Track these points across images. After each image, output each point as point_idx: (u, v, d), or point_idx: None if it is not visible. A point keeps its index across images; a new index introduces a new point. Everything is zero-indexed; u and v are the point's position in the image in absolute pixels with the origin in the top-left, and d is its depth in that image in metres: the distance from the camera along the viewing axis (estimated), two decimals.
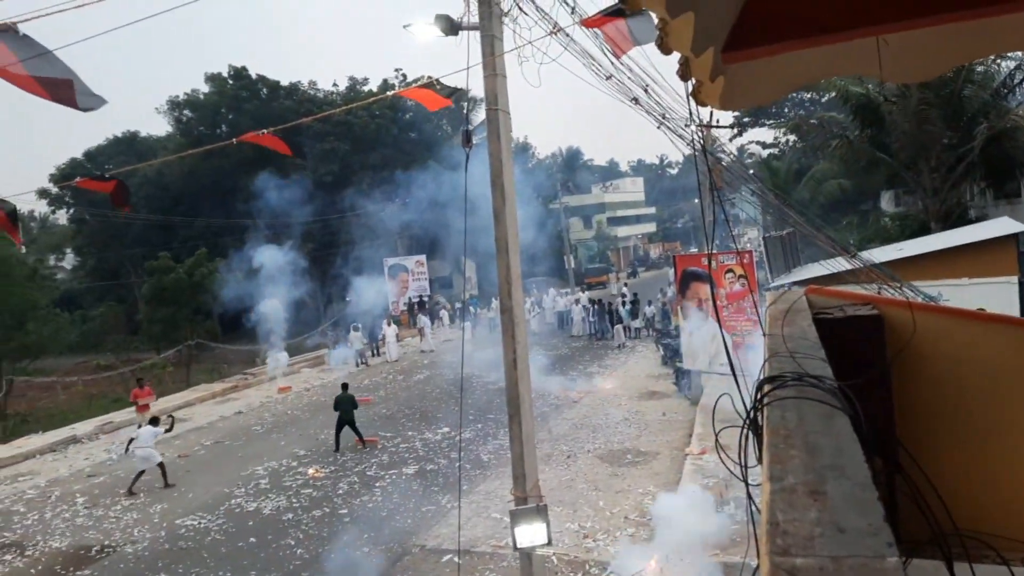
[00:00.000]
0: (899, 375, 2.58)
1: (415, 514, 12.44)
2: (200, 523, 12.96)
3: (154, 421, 16.00)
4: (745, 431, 2.06)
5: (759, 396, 2.01)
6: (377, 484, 14.23)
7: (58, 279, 47.10)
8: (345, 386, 17.83)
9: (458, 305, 36.15)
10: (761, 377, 2.23)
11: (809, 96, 33.83)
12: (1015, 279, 14.75)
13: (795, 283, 15.09)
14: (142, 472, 15.23)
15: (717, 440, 2.58)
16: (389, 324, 31.21)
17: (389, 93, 36.70)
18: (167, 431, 16.53)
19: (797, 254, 22.97)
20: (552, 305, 35.72)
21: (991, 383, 2.49)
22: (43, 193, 43.02)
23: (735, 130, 36.16)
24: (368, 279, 37.32)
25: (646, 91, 5.90)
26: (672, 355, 21.95)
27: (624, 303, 31.30)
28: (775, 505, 1.24)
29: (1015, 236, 15.90)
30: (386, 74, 72.18)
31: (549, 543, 6.16)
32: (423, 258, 41.13)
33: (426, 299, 39.25)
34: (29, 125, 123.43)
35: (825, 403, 1.79)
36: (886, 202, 32.98)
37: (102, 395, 30.25)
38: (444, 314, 34.47)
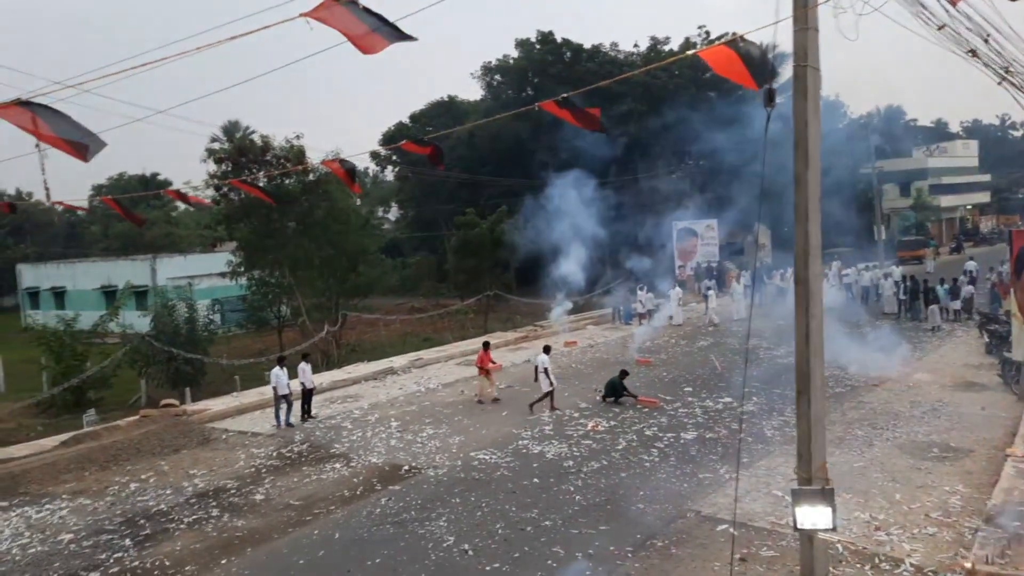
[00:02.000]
0: None
1: (691, 480, 12.41)
2: (491, 458, 14.13)
3: (547, 349, 18.35)
4: None
5: None
6: (655, 445, 14.39)
7: (384, 229, 53.35)
8: (624, 373, 18.18)
9: (747, 272, 34.70)
10: None
11: None
12: None
13: None
14: (547, 394, 17.39)
15: None
16: (675, 287, 31.04)
17: (689, 52, 35.90)
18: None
19: None
20: (836, 280, 33.06)
21: None
22: (374, 155, 48.81)
23: None
24: (657, 241, 37.31)
25: (986, 41, 5.13)
26: (999, 343, 19.30)
27: (945, 280, 27.97)
28: None
29: None
30: (688, 32, 70.42)
31: (834, 529, 5.83)
32: (714, 222, 40.02)
33: (714, 265, 38.28)
34: (365, 95, 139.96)
35: None
36: None
37: (414, 334, 33.96)
38: (738, 283, 33.14)
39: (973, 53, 5.15)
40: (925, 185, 64.29)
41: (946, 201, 65.61)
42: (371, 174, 64.21)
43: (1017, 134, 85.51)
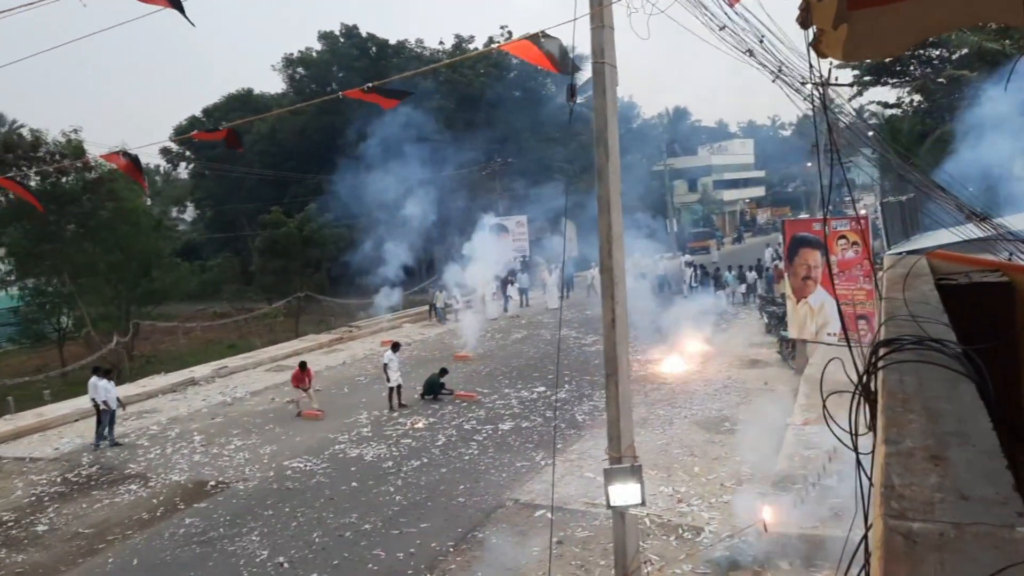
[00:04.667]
0: None
1: (509, 469, 12.66)
2: (306, 466, 13.62)
3: (395, 347, 17.97)
4: (857, 397, 1.96)
5: (873, 360, 1.91)
6: (474, 438, 14.53)
7: (180, 230, 49.82)
8: (444, 371, 18.20)
9: (554, 267, 36.00)
10: (877, 340, 2.11)
11: (937, 53, 31.50)
12: None
13: (913, 251, 14.24)
14: (390, 390, 17.18)
15: (825, 406, 2.48)
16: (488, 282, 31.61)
17: (493, 47, 36.64)
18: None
19: (918, 220, 21.63)
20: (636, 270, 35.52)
21: None
22: (165, 151, 45.29)
23: (855, 89, 34.17)
24: (470, 238, 37.74)
25: (761, 43, 5.62)
26: (776, 323, 21.31)
27: (731, 268, 30.55)
28: (891, 469, 1.18)
29: None
30: (492, 32, 71.83)
31: (643, 504, 6.14)
32: (524, 218, 41.03)
33: (526, 259, 39.28)
34: (154, 87, 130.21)
35: (948, 368, 1.68)
36: (1021, 167, 30.44)
37: (218, 341, 32.06)
38: (549, 276, 34.35)
39: (750, 53, 5.62)
40: (710, 181, 69.94)
41: (728, 195, 71.77)
42: (163, 172, 59.78)
43: (786, 133, 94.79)
